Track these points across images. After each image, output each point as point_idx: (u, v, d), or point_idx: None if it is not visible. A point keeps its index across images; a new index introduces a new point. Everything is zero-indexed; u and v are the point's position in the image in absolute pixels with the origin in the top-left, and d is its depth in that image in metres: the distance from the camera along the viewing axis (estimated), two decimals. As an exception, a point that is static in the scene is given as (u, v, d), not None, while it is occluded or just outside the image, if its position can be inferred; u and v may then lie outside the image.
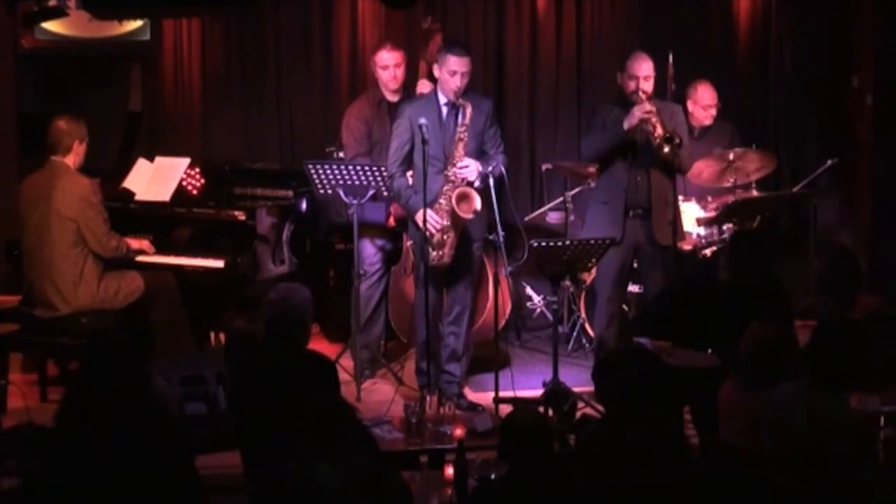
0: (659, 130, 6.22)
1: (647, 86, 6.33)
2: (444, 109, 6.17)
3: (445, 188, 6.08)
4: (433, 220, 6.04)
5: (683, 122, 6.58)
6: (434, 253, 6.09)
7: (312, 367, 4.73)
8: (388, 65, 6.80)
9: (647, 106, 6.23)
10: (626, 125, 6.27)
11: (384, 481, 3.84)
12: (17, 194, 6.48)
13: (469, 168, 6.07)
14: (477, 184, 6.09)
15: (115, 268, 6.44)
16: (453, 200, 6.03)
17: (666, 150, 6.20)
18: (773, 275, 5.77)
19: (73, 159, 6.36)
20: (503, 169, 6.18)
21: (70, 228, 6.26)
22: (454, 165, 6.08)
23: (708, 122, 7.37)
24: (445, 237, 6.09)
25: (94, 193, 6.32)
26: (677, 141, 6.20)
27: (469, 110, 6.08)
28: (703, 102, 7.34)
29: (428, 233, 6.05)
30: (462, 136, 6.09)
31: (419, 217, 6.04)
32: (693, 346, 5.51)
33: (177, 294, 6.57)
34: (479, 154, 6.17)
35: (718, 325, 5.43)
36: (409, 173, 6.21)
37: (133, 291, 6.41)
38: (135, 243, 6.57)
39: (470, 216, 6.06)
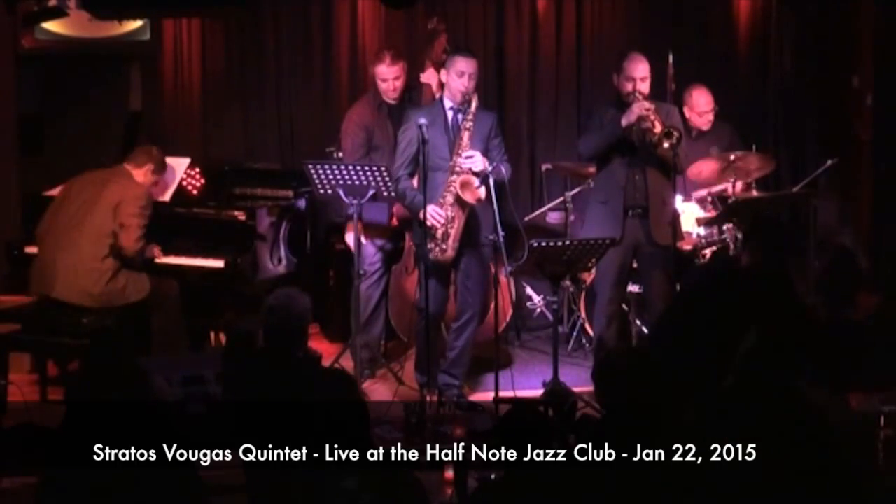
0: (658, 127, 6.22)
1: (644, 87, 6.32)
2: (450, 114, 6.20)
3: (450, 179, 6.10)
4: (436, 214, 6.05)
5: (680, 123, 6.57)
6: (437, 248, 6.09)
7: (308, 373, 4.72)
8: (387, 78, 6.82)
9: (646, 103, 6.23)
10: (623, 122, 6.26)
11: (399, 480, 3.85)
12: (17, 194, 6.48)
13: (474, 158, 6.08)
14: (476, 183, 6.09)
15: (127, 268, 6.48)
16: (457, 187, 6.04)
17: (665, 145, 6.19)
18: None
19: (138, 174, 6.55)
20: (505, 175, 6.17)
21: (110, 219, 6.36)
22: (459, 156, 6.09)
23: (705, 127, 7.37)
24: (450, 228, 6.10)
25: (147, 202, 6.48)
26: (676, 135, 6.19)
27: (475, 102, 6.10)
28: (699, 108, 7.34)
29: (431, 227, 6.05)
30: (468, 125, 6.10)
31: (422, 214, 6.05)
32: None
33: (178, 304, 6.61)
34: None
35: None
36: (415, 179, 6.24)
37: (139, 291, 6.44)
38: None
39: (475, 202, 6.06)
